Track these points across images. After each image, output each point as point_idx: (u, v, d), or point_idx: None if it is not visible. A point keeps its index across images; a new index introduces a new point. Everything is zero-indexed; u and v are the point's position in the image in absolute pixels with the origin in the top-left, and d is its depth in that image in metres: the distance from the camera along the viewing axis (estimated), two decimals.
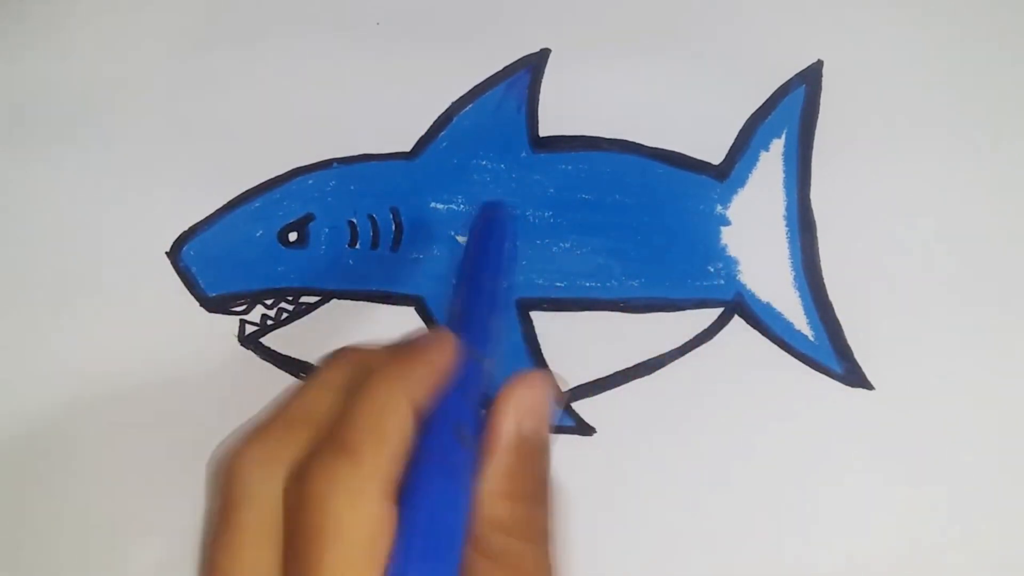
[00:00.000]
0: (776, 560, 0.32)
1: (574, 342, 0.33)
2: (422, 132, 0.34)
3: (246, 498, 0.21)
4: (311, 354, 0.34)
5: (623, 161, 0.34)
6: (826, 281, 0.33)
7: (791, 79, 0.34)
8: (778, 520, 0.32)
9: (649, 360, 0.33)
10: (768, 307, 0.33)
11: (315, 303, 0.34)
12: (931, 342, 0.33)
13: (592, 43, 0.35)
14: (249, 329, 0.34)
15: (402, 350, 0.24)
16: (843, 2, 0.35)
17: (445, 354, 0.24)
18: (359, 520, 0.19)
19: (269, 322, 0.34)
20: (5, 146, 0.35)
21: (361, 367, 0.23)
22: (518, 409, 0.23)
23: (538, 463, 0.23)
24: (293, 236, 0.34)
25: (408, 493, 0.20)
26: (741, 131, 0.34)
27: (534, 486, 0.23)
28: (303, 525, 0.20)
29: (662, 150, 0.34)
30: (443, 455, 0.21)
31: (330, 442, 0.21)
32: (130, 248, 0.34)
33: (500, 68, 0.35)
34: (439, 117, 0.34)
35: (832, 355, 0.33)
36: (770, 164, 0.34)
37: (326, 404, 0.22)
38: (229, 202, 0.34)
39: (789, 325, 0.33)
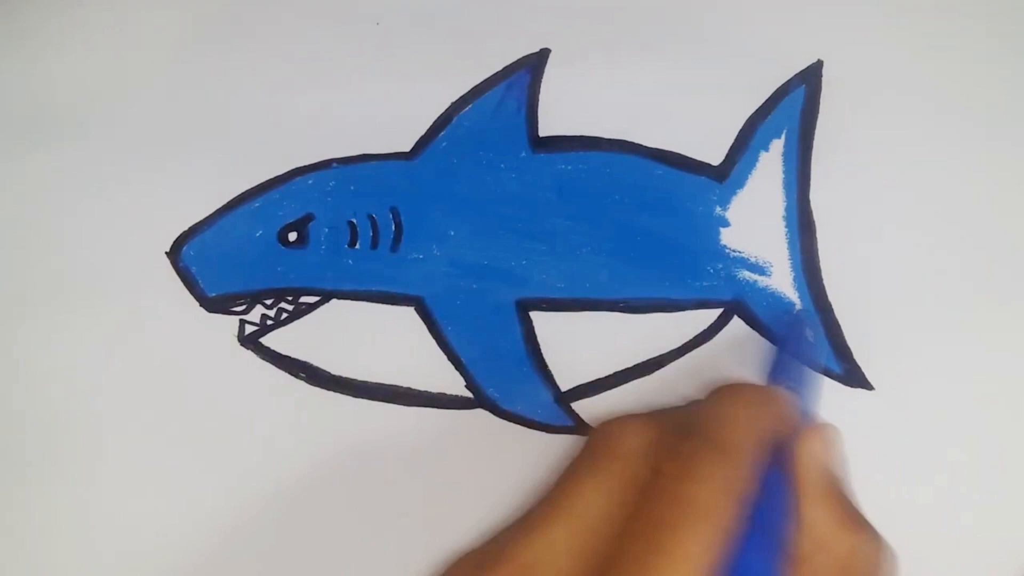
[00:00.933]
0: None
1: (574, 342, 0.33)
2: (422, 132, 0.34)
3: (620, 451, 0.23)
4: (311, 354, 0.34)
5: (623, 161, 0.34)
6: (825, 281, 0.33)
7: (791, 79, 0.34)
8: None
9: (649, 360, 0.33)
10: (768, 307, 0.33)
11: (315, 303, 0.34)
12: (931, 342, 0.33)
13: (592, 43, 0.35)
14: (249, 329, 0.34)
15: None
16: (843, 2, 0.35)
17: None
18: (716, 507, 0.21)
19: (269, 322, 0.34)
20: (5, 146, 0.35)
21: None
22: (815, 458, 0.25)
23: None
24: (293, 236, 0.34)
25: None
26: (741, 131, 0.34)
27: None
28: (661, 494, 0.21)
29: (661, 151, 0.34)
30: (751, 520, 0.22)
31: (704, 440, 0.22)
32: (130, 248, 0.34)
33: (500, 68, 0.35)
34: (439, 117, 0.34)
35: (832, 355, 0.33)
36: (769, 164, 0.34)
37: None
38: (229, 202, 0.34)
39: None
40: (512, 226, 0.34)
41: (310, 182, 0.34)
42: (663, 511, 0.21)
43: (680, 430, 0.23)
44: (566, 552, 0.21)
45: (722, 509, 0.21)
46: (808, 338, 0.32)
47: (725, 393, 0.25)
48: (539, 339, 0.33)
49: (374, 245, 0.34)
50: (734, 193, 0.34)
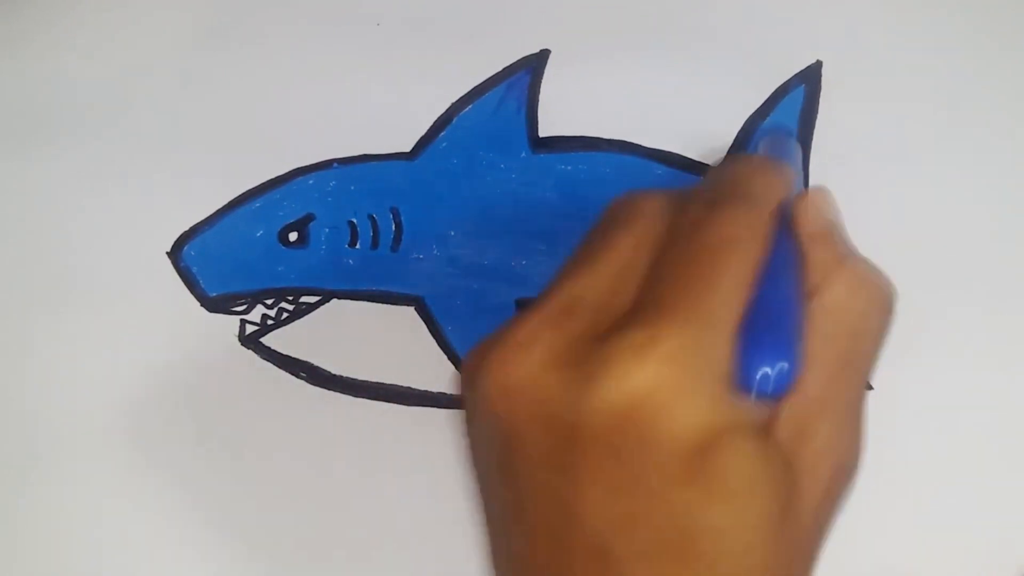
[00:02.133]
0: None
1: None
2: (422, 132, 0.34)
3: (646, 210, 0.24)
4: (311, 354, 0.34)
5: (622, 162, 0.34)
6: None
7: (790, 79, 0.34)
8: None
9: None
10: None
11: (315, 303, 0.34)
12: (931, 342, 0.33)
13: (592, 43, 0.35)
14: (249, 329, 0.34)
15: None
16: (843, 2, 0.35)
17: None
18: (747, 248, 0.22)
19: (269, 322, 0.34)
20: (5, 146, 0.35)
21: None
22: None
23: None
24: (293, 236, 0.34)
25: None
26: (740, 131, 0.34)
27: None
28: (694, 235, 0.22)
29: (661, 151, 0.34)
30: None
31: (723, 189, 0.24)
32: (130, 248, 0.34)
33: (500, 68, 0.35)
34: (439, 117, 0.34)
35: None
36: None
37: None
38: (230, 202, 0.34)
39: None
40: (512, 226, 0.34)
41: (311, 182, 0.34)
42: (699, 241, 0.22)
43: (704, 192, 0.24)
44: (606, 289, 0.22)
45: (751, 241, 0.22)
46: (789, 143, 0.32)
47: (741, 161, 0.27)
48: None
49: (374, 245, 0.34)
50: None
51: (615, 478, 0.20)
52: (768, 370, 0.21)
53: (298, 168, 0.34)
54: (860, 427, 0.24)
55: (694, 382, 0.20)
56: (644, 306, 0.21)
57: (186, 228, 0.34)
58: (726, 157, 0.26)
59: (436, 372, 0.33)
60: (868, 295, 0.24)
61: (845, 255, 0.24)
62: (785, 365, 0.22)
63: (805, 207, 0.25)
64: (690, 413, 0.20)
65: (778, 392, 0.22)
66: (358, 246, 0.34)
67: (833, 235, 0.25)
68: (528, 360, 0.21)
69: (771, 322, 0.22)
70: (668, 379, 0.20)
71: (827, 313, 0.23)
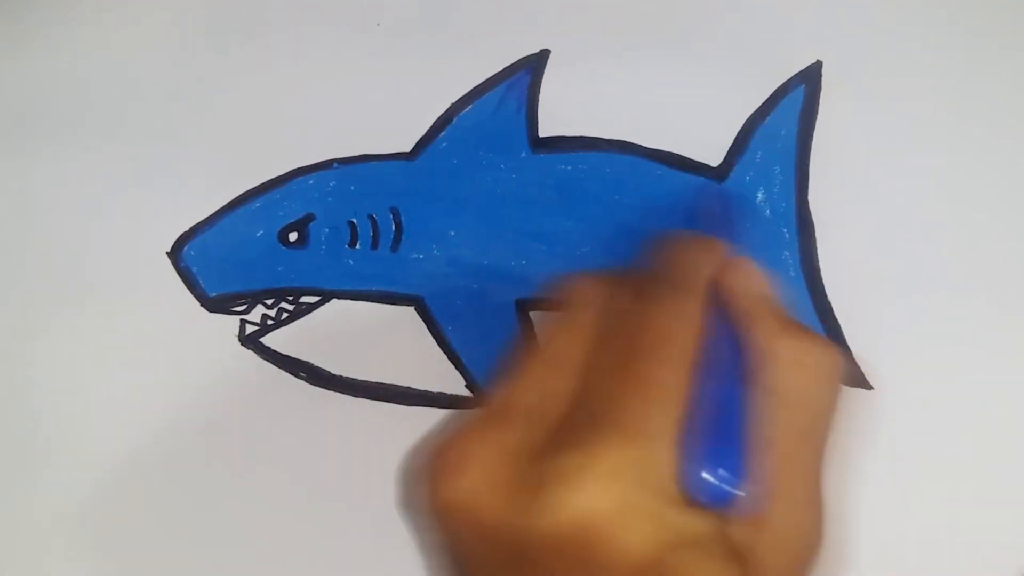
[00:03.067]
0: None
1: None
2: (422, 132, 0.34)
3: (581, 301, 0.24)
4: (311, 354, 0.34)
5: (622, 162, 0.34)
6: (825, 282, 0.33)
7: (790, 79, 0.34)
8: None
9: None
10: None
11: (315, 303, 0.34)
12: (931, 342, 0.33)
13: (592, 43, 0.35)
14: (249, 329, 0.34)
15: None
16: (843, 2, 0.35)
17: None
18: (681, 334, 0.22)
19: (269, 322, 0.34)
20: (5, 146, 0.35)
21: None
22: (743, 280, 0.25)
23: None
24: (293, 236, 0.34)
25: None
26: (740, 132, 0.34)
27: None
28: (628, 328, 0.22)
29: (661, 151, 0.34)
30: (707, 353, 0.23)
31: (659, 278, 0.24)
32: (130, 248, 0.34)
33: (500, 68, 0.35)
34: (439, 117, 0.34)
35: None
36: (769, 165, 0.34)
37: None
38: (230, 202, 0.34)
39: None
40: (512, 226, 0.34)
41: (311, 182, 0.34)
42: (631, 341, 0.22)
43: (634, 277, 0.24)
44: (542, 392, 0.22)
45: (685, 335, 0.22)
46: (725, 214, 0.32)
47: (668, 243, 0.26)
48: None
49: (374, 245, 0.34)
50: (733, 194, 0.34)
51: None
52: (714, 474, 0.21)
53: (298, 168, 0.34)
54: (819, 504, 0.23)
55: (636, 500, 0.20)
56: (579, 421, 0.21)
57: (186, 228, 0.34)
58: (665, 240, 0.26)
59: (436, 372, 0.33)
60: (813, 370, 0.23)
61: (782, 329, 0.24)
62: (733, 466, 0.21)
63: (735, 282, 0.25)
64: (634, 532, 0.20)
65: (727, 496, 0.21)
66: (358, 246, 0.34)
67: (768, 309, 0.24)
68: (468, 479, 0.21)
69: (714, 421, 0.21)
70: (609, 501, 0.19)
71: (773, 395, 0.22)
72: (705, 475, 0.21)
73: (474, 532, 0.21)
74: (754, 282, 0.25)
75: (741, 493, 0.21)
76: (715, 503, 0.21)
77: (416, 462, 0.23)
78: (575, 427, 0.21)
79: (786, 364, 0.23)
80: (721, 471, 0.21)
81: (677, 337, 0.22)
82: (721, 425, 0.22)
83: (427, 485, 0.22)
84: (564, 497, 0.20)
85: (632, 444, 0.20)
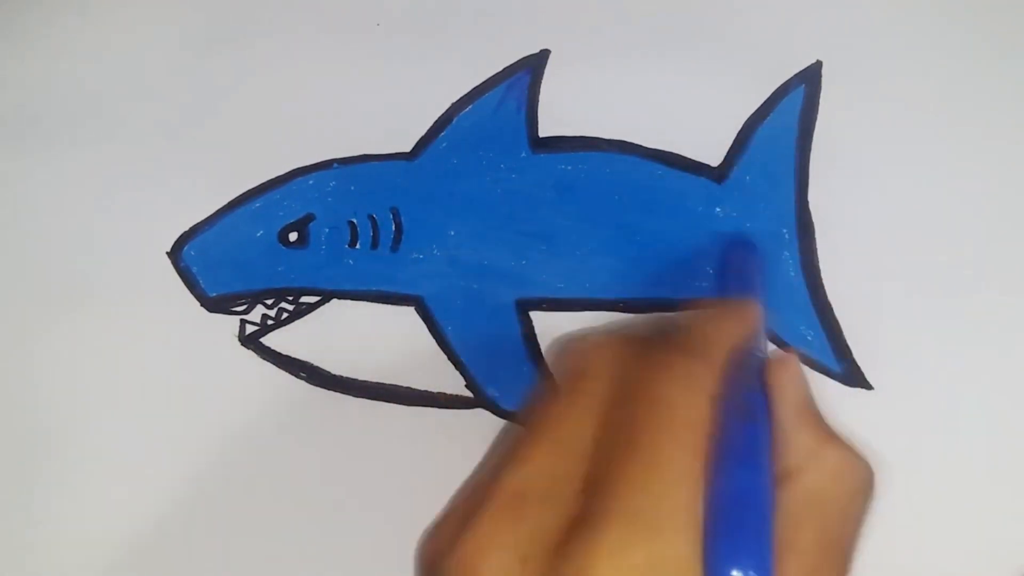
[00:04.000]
0: None
1: None
2: (422, 132, 0.34)
3: (591, 371, 0.23)
4: (311, 354, 0.34)
5: (622, 162, 0.34)
6: (825, 282, 0.33)
7: (790, 79, 0.34)
8: None
9: None
10: (766, 307, 0.33)
11: (315, 303, 0.34)
12: (931, 342, 0.33)
13: (592, 43, 0.35)
14: (249, 329, 0.34)
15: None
16: (843, 2, 0.35)
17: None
18: (691, 406, 0.21)
19: (269, 322, 0.34)
20: (5, 146, 0.35)
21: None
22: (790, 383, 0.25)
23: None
24: (293, 236, 0.34)
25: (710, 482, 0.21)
26: (740, 132, 0.34)
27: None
28: (636, 400, 0.22)
29: (661, 151, 0.34)
30: (737, 441, 0.22)
31: (673, 345, 0.23)
32: (130, 248, 0.34)
33: (500, 68, 0.35)
34: (439, 117, 0.34)
35: (831, 355, 0.33)
36: (769, 165, 0.34)
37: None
38: (230, 202, 0.34)
39: (788, 325, 0.33)
40: (512, 226, 0.34)
41: (311, 182, 0.34)
42: (639, 415, 0.21)
43: (648, 342, 0.23)
44: (553, 475, 0.21)
45: (698, 409, 0.21)
46: (755, 270, 0.32)
47: (691, 307, 0.26)
48: (539, 339, 0.33)
49: (374, 245, 0.34)
50: (733, 194, 0.34)
51: None
52: (739, 574, 0.20)
53: (298, 168, 0.34)
54: None
55: None
56: (591, 508, 0.20)
57: (186, 228, 0.34)
58: (690, 304, 0.26)
59: (436, 372, 0.33)
60: (852, 480, 0.23)
61: (827, 439, 0.23)
62: (761, 566, 0.20)
63: (782, 382, 0.24)
64: None
65: None
66: (358, 246, 0.34)
67: (813, 414, 0.24)
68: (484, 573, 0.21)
69: (741, 516, 0.20)
70: None
71: (807, 499, 0.22)
72: (734, 572, 0.20)
73: None
74: (800, 383, 0.24)
75: None
76: None
77: (432, 540, 0.22)
78: (588, 516, 0.20)
79: (827, 473, 0.23)
80: (751, 567, 0.20)
81: (687, 410, 0.21)
82: (747, 518, 0.21)
83: (445, 570, 0.21)
84: None
85: (645, 538, 0.20)
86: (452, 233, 0.34)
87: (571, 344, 0.25)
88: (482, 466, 0.23)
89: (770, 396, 0.24)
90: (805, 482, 0.22)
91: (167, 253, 0.34)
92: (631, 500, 0.20)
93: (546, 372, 0.24)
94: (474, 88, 0.35)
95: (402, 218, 0.34)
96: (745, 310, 0.26)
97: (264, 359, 0.34)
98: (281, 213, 0.34)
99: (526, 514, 0.21)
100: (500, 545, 0.21)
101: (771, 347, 0.27)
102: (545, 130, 0.34)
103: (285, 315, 0.34)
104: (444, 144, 0.34)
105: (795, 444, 0.23)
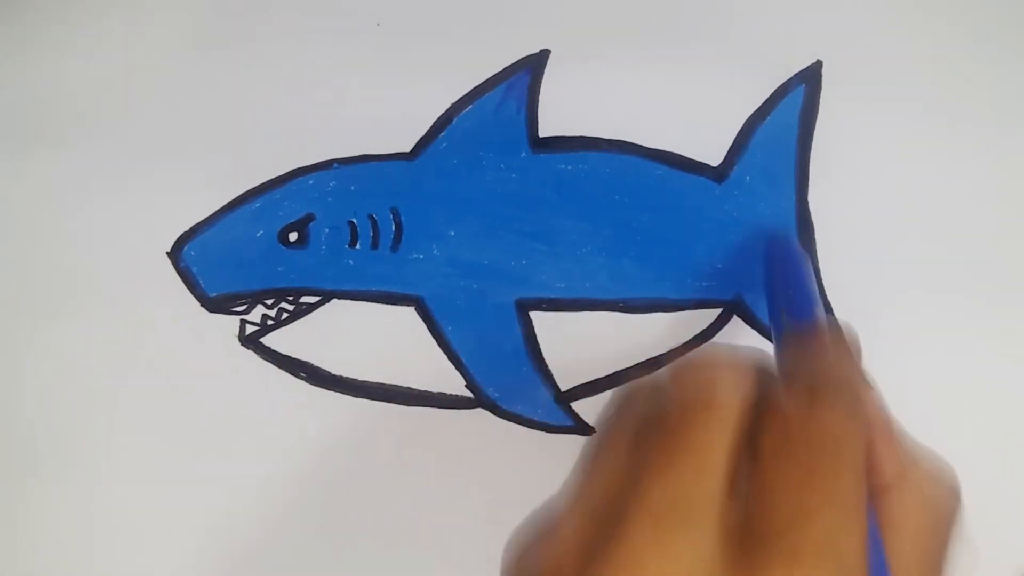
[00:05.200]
0: None
1: (574, 342, 0.33)
2: (422, 132, 0.34)
3: (726, 389, 0.22)
4: (311, 354, 0.34)
5: (622, 162, 0.34)
6: (825, 282, 0.33)
7: (790, 79, 0.34)
8: None
9: (649, 360, 0.33)
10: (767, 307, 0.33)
11: (315, 303, 0.34)
12: (931, 342, 0.33)
13: (592, 43, 0.35)
14: (249, 329, 0.34)
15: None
16: (843, 2, 0.35)
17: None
18: (856, 444, 0.21)
19: (270, 322, 0.34)
20: (5, 146, 0.35)
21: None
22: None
23: None
24: (293, 236, 0.34)
25: None
26: (740, 131, 0.34)
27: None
28: (796, 433, 0.21)
29: (661, 151, 0.34)
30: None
31: (830, 380, 0.23)
32: (130, 248, 0.34)
33: (500, 68, 0.35)
34: (439, 118, 0.34)
35: None
36: (769, 165, 0.34)
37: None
38: (230, 202, 0.34)
39: None
40: (512, 226, 0.34)
41: (311, 182, 0.34)
42: (811, 449, 0.21)
43: (770, 373, 0.23)
44: (694, 494, 0.20)
45: (860, 447, 0.21)
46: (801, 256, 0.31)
47: (811, 342, 0.25)
48: (539, 339, 0.33)
49: (374, 245, 0.34)
50: (733, 193, 0.34)
51: None
52: None
53: (298, 168, 0.34)
54: None
55: None
56: (782, 551, 0.20)
57: (186, 228, 0.34)
58: (801, 335, 0.25)
59: (436, 372, 0.33)
60: (939, 496, 0.23)
61: (915, 455, 0.24)
62: None
63: (898, 509, 0.23)
64: None
65: None
66: (358, 246, 0.34)
67: (897, 431, 0.24)
68: None
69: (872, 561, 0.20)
70: None
71: (899, 520, 0.22)
72: None
73: None
74: (886, 408, 0.25)
75: None
76: None
77: (545, 568, 0.21)
78: (773, 551, 0.20)
79: (915, 493, 0.23)
80: None
81: (855, 451, 0.21)
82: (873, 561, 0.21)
83: None
84: None
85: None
86: (452, 233, 0.34)
87: (696, 359, 0.24)
88: (584, 479, 0.22)
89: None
90: (894, 502, 0.22)
91: (167, 253, 0.34)
92: (818, 538, 0.19)
93: (671, 389, 0.23)
94: (474, 88, 0.35)
95: (402, 218, 0.34)
96: (846, 341, 0.26)
97: (264, 359, 0.34)
98: (281, 213, 0.34)
99: (677, 534, 0.20)
100: (659, 558, 0.20)
101: None
102: (545, 130, 0.34)
103: (285, 315, 0.34)
104: (444, 144, 0.34)
105: (883, 462, 0.23)
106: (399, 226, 0.34)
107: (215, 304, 0.34)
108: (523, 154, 0.34)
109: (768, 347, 0.33)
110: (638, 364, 0.33)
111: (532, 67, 0.35)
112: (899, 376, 0.33)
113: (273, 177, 0.34)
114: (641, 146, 0.34)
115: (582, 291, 0.34)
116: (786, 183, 0.34)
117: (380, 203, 0.34)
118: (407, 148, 0.34)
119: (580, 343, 0.33)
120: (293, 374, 0.34)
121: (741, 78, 0.34)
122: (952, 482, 0.24)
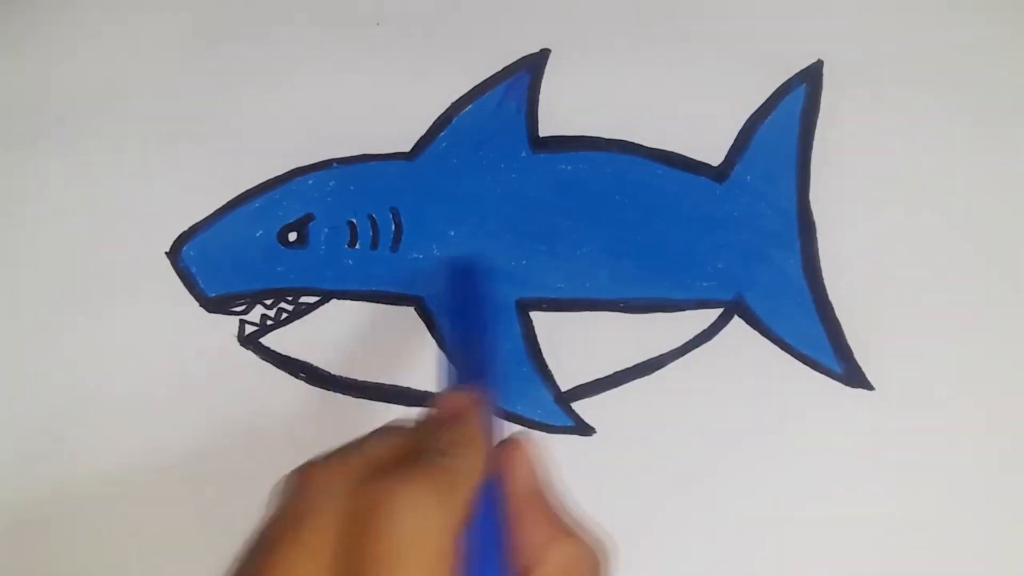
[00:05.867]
0: (775, 557, 0.32)
1: (574, 342, 0.33)
2: (422, 132, 0.34)
3: (312, 510, 0.21)
4: (311, 354, 0.34)
5: (623, 161, 0.34)
6: (826, 281, 0.33)
7: (791, 79, 0.34)
8: (777, 518, 0.32)
9: (649, 360, 0.33)
10: (768, 307, 0.33)
11: (315, 303, 0.34)
12: (931, 342, 0.33)
13: (592, 43, 0.35)
14: (249, 329, 0.34)
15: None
16: (843, 2, 0.35)
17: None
18: (424, 538, 0.20)
19: (269, 322, 0.34)
20: (5, 146, 0.35)
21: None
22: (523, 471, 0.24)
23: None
24: (293, 236, 0.34)
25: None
26: (741, 131, 0.34)
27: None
28: (365, 540, 0.20)
29: (662, 151, 0.34)
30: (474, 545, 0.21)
31: (408, 469, 0.21)
32: (130, 248, 0.34)
33: (500, 68, 0.35)
34: (439, 117, 0.34)
35: (832, 355, 0.33)
36: (770, 164, 0.34)
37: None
38: (229, 202, 0.34)
39: (789, 325, 0.33)
40: (512, 226, 0.34)
41: (310, 182, 0.34)
42: (376, 555, 0.20)
43: (379, 463, 0.22)
44: None
45: (438, 540, 0.20)
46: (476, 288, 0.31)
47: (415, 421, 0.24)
48: (539, 339, 0.33)
49: (374, 245, 0.34)
50: (734, 193, 0.34)
51: None
52: None
53: (298, 168, 0.34)
54: None
55: None
56: None
57: (185, 228, 0.34)
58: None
59: (436, 372, 0.33)
60: (584, 569, 0.22)
61: (553, 535, 0.23)
62: None
63: (510, 469, 0.23)
64: None
65: None
66: (358, 246, 0.34)
67: (540, 506, 0.23)
68: None
69: None
70: None
71: None
72: None
73: None
74: (529, 472, 0.23)
75: None
76: None
77: None
78: None
79: (555, 571, 0.22)
80: None
81: (427, 545, 0.20)
82: None
83: None
84: None
85: None
86: (452, 233, 0.34)
87: (292, 477, 0.23)
88: None
89: (501, 487, 0.23)
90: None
91: (166, 253, 0.34)
92: None
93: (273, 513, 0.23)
94: (474, 88, 0.35)
95: (402, 218, 0.34)
96: (472, 408, 0.24)
97: (264, 359, 0.34)
98: (281, 213, 0.34)
99: None
100: None
101: (505, 427, 0.25)
102: (545, 130, 0.34)
103: (285, 315, 0.34)
104: (444, 144, 0.34)
105: (525, 541, 0.22)
106: (399, 226, 0.34)
107: (214, 304, 0.34)
108: (523, 154, 0.34)
109: (769, 347, 0.33)
110: (638, 364, 0.33)
111: (532, 67, 0.35)
112: (899, 376, 0.33)
113: (273, 177, 0.34)
114: (641, 146, 0.34)
115: (582, 291, 0.34)
116: (787, 183, 0.34)
117: (380, 203, 0.34)
118: (407, 148, 0.34)
119: (580, 343, 0.33)
120: (293, 374, 0.34)
121: (742, 78, 0.34)
122: (594, 562, 0.23)
